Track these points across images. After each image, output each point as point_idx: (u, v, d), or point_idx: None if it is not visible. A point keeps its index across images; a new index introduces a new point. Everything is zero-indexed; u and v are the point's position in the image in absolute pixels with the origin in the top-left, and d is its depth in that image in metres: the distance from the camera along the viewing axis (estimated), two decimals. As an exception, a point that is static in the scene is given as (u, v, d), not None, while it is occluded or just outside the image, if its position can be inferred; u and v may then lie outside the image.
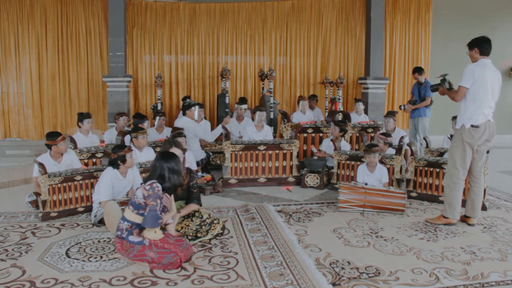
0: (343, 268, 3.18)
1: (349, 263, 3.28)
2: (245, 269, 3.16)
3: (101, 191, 4.11)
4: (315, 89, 9.23)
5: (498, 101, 4.13)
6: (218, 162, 6.67)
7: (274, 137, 6.86)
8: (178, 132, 5.33)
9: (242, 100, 7.44)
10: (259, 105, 7.97)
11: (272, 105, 7.77)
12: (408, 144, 5.58)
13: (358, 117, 7.48)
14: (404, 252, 3.51)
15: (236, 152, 5.72)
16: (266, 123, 6.43)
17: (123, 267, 3.19)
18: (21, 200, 4.90)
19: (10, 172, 6.89)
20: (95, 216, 4.17)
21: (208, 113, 8.83)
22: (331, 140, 5.86)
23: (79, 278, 2.99)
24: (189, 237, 3.68)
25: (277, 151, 5.81)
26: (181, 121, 5.97)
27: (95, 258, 3.36)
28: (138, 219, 3.22)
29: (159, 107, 8.00)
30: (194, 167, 5.43)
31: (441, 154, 5.57)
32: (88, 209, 4.48)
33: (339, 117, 6.94)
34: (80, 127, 5.84)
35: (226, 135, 5.79)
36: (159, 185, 3.25)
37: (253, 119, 6.59)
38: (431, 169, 5.05)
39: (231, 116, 7.23)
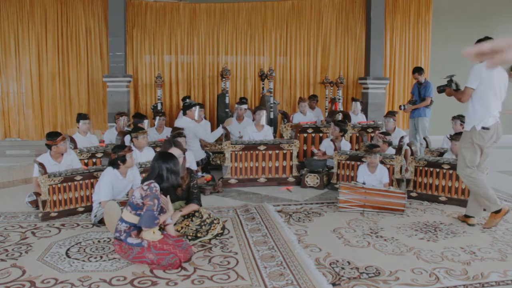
0: (343, 268, 3.18)
1: (349, 263, 3.28)
2: (245, 269, 3.15)
3: (101, 191, 4.11)
4: (315, 89, 9.23)
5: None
6: (218, 162, 6.67)
7: (274, 137, 6.86)
8: (178, 132, 5.33)
9: (242, 100, 7.43)
10: (259, 105, 7.96)
11: (272, 105, 7.77)
12: (408, 144, 5.58)
13: (356, 117, 7.47)
14: (404, 252, 3.51)
15: (236, 152, 5.72)
16: (266, 123, 6.43)
17: (123, 267, 3.19)
18: (21, 200, 4.90)
19: (10, 172, 6.89)
20: (95, 216, 4.17)
21: (208, 113, 8.83)
22: (331, 140, 5.86)
23: (79, 278, 2.99)
24: (189, 237, 3.68)
25: (277, 151, 5.81)
26: (181, 121, 5.97)
27: (95, 258, 3.36)
28: (136, 220, 3.21)
29: (159, 107, 8.00)
30: (194, 167, 5.43)
31: (441, 154, 5.57)
32: (88, 209, 4.48)
33: (339, 117, 6.94)
34: (78, 127, 5.85)
35: (226, 135, 5.79)
36: (157, 185, 3.25)
37: (254, 120, 6.59)
38: (431, 169, 5.05)
39: (231, 116, 7.23)
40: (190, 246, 3.39)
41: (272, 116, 7.72)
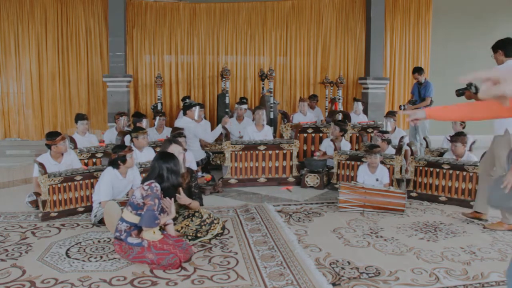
0: (343, 268, 3.18)
1: (349, 263, 3.28)
2: (245, 269, 3.15)
3: (101, 191, 4.11)
4: (315, 89, 9.23)
5: None
6: (218, 162, 6.67)
7: (274, 137, 6.86)
8: (178, 132, 5.32)
9: (242, 100, 7.43)
10: (259, 105, 7.96)
11: (272, 105, 7.77)
12: (408, 144, 5.58)
13: (357, 117, 7.48)
14: (404, 252, 3.51)
15: (236, 152, 5.72)
16: (265, 123, 6.43)
17: (123, 267, 3.19)
18: (21, 200, 4.90)
19: (10, 172, 6.89)
20: (95, 216, 4.17)
21: (208, 113, 8.82)
22: (331, 140, 5.86)
23: (79, 278, 2.99)
24: (189, 237, 3.68)
25: (277, 151, 5.81)
26: (181, 121, 5.96)
27: (95, 258, 3.36)
28: (136, 220, 3.21)
29: (159, 107, 8.00)
30: (194, 167, 5.42)
31: (441, 154, 5.57)
32: (88, 209, 4.48)
33: (339, 117, 6.94)
34: (77, 128, 5.86)
35: (226, 135, 5.79)
36: (157, 185, 3.25)
37: (254, 119, 6.59)
38: (431, 169, 5.05)
39: (231, 116, 7.23)
40: (190, 246, 3.39)
41: (272, 116, 7.72)
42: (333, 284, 2.92)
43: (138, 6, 8.69)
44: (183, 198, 3.71)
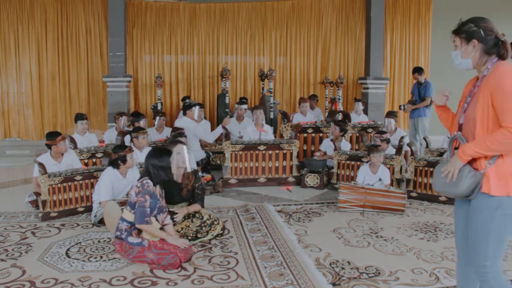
0: (343, 268, 3.18)
1: (349, 263, 3.28)
2: (245, 269, 3.16)
3: (101, 191, 4.11)
4: (315, 89, 9.23)
5: None
6: (218, 162, 6.67)
7: (274, 137, 6.86)
8: (178, 132, 5.33)
9: (242, 100, 7.44)
10: (259, 104, 7.96)
11: (272, 105, 7.77)
12: (408, 144, 5.57)
13: (358, 117, 7.48)
14: (404, 252, 3.51)
15: (236, 152, 5.72)
16: (265, 122, 6.43)
17: (123, 267, 3.19)
18: (21, 200, 4.90)
19: (10, 172, 6.89)
20: (95, 216, 4.17)
21: (208, 113, 8.83)
22: (331, 140, 5.86)
23: (79, 278, 2.99)
24: (189, 238, 3.68)
25: (277, 151, 5.81)
26: (181, 121, 5.96)
27: (95, 258, 3.36)
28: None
29: (159, 107, 8.00)
30: (194, 167, 5.42)
31: (441, 154, 5.57)
32: (88, 209, 4.48)
33: (339, 117, 6.94)
34: (77, 127, 5.86)
35: (226, 135, 5.79)
36: (149, 181, 3.26)
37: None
38: (431, 169, 5.04)
39: (231, 116, 7.23)
40: (190, 246, 3.39)
41: (272, 116, 7.72)
42: (333, 284, 2.92)
43: (138, 6, 8.69)
44: (191, 209, 3.74)
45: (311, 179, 5.69)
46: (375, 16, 8.92)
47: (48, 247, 3.57)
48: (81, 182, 4.53)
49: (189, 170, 3.84)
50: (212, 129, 6.85)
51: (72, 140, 5.28)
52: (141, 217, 3.17)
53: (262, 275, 3.04)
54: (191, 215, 3.77)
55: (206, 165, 6.33)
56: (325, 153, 6.07)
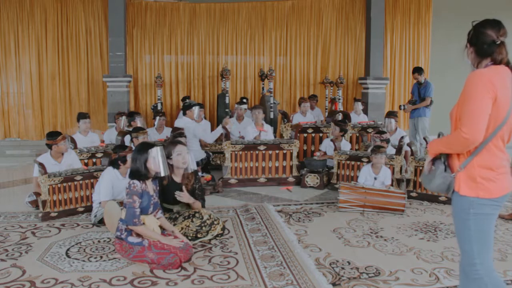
0: (343, 268, 3.18)
1: (349, 263, 3.28)
2: (245, 269, 3.16)
3: (101, 191, 4.12)
4: (315, 89, 9.23)
5: None
6: (218, 162, 6.67)
7: (274, 137, 6.86)
8: (178, 132, 5.33)
9: (243, 100, 7.44)
10: (258, 104, 7.96)
11: (272, 105, 7.77)
12: (408, 144, 5.57)
13: (357, 117, 7.48)
14: (404, 252, 3.51)
15: (236, 152, 5.72)
16: (264, 122, 6.43)
17: (123, 267, 3.19)
18: (21, 200, 4.90)
19: (10, 172, 6.89)
20: (95, 216, 4.17)
21: (208, 113, 8.83)
22: (331, 140, 5.86)
23: (79, 278, 2.99)
24: (189, 238, 3.68)
25: (277, 151, 5.81)
26: (181, 121, 5.96)
27: (95, 258, 3.36)
28: None
29: (159, 107, 8.00)
30: (194, 167, 5.42)
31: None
32: (88, 209, 4.48)
33: (339, 117, 6.94)
34: (78, 127, 5.85)
35: (226, 135, 5.79)
36: (135, 181, 3.25)
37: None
38: (431, 169, 5.04)
39: (231, 116, 7.23)
40: (190, 246, 3.39)
41: (272, 116, 7.72)
42: (333, 284, 2.92)
43: (138, 6, 8.69)
44: (185, 197, 3.71)
45: (311, 179, 5.69)
46: (375, 16, 8.92)
47: (48, 247, 3.57)
48: (81, 182, 4.54)
49: (189, 170, 3.85)
50: (212, 129, 6.85)
51: (72, 140, 5.28)
52: (129, 219, 3.18)
53: (262, 275, 3.04)
54: (191, 215, 3.77)
55: (206, 165, 6.33)
56: (325, 153, 6.07)
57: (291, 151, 5.83)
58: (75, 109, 8.49)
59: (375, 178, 4.86)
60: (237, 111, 7.07)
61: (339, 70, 9.18)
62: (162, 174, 3.37)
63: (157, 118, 6.78)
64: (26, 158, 7.78)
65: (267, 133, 6.25)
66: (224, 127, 5.84)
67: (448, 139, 2.08)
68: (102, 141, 6.20)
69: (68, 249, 3.53)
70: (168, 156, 3.72)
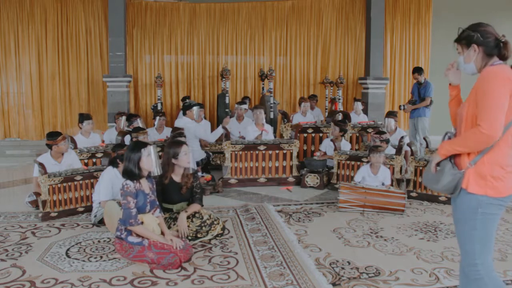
0: (343, 268, 3.18)
1: (349, 263, 3.28)
2: (245, 269, 3.16)
3: (101, 191, 4.11)
4: (315, 89, 9.24)
5: None
6: (218, 162, 6.67)
7: (274, 137, 6.86)
8: (178, 132, 5.33)
9: (244, 100, 7.44)
10: (259, 104, 7.96)
11: (272, 105, 7.77)
12: (408, 144, 5.57)
13: (357, 117, 7.48)
14: (404, 252, 3.51)
15: (236, 152, 5.72)
16: (265, 122, 6.42)
17: (123, 267, 3.19)
18: (21, 200, 4.90)
19: (10, 172, 6.89)
20: (95, 216, 4.17)
21: (208, 113, 8.83)
22: (331, 140, 5.86)
23: (79, 278, 2.99)
24: (189, 238, 3.68)
25: (277, 151, 5.81)
26: (181, 121, 5.97)
27: (95, 258, 3.36)
28: None
29: (159, 107, 8.00)
30: (194, 167, 5.42)
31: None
32: (88, 209, 4.48)
33: (339, 117, 6.94)
34: (81, 128, 5.84)
35: (226, 135, 5.79)
36: (128, 182, 3.24)
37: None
38: (431, 169, 5.04)
39: (231, 116, 7.23)
40: (190, 246, 3.39)
41: (272, 116, 7.72)
42: (333, 284, 2.92)
43: (138, 6, 8.70)
44: (189, 211, 3.73)
45: (311, 179, 5.69)
46: (375, 16, 8.93)
47: (48, 247, 3.57)
48: (81, 182, 4.54)
49: (190, 171, 3.86)
50: (212, 129, 6.85)
51: (72, 140, 5.28)
52: (125, 220, 3.19)
53: (262, 275, 3.04)
54: (191, 215, 3.77)
55: (206, 165, 6.33)
56: (325, 153, 6.07)
57: (291, 151, 5.83)
58: (75, 109, 8.50)
59: (383, 184, 4.81)
60: (237, 111, 7.07)
61: (339, 70, 9.18)
62: (155, 173, 3.37)
63: (157, 118, 6.78)
64: (26, 158, 7.78)
65: (268, 133, 6.25)
66: (224, 127, 5.85)
67: (465, 137, 2.03)
68: (102, 141, 6.20)
69: (68, 249, 3.53)
70: (174, 156, 3.72)
